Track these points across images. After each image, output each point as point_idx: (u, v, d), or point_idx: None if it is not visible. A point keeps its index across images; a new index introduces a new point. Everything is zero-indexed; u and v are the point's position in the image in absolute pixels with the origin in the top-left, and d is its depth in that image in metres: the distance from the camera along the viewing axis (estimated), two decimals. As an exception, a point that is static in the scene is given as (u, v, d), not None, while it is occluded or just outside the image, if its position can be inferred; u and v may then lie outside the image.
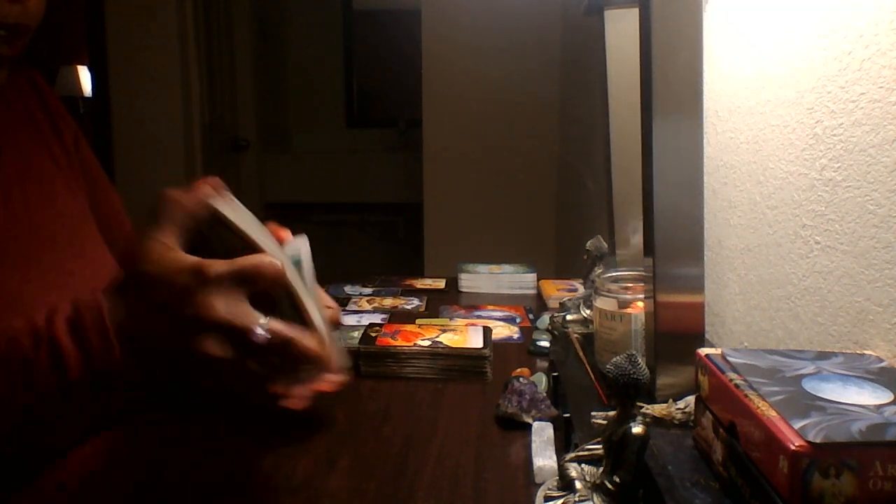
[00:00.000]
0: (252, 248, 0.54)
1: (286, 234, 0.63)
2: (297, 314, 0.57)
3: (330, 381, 0.63)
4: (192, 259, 0.52)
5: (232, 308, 0.52)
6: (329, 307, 0.65)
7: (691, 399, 0.65)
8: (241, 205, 0.58)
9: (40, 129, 0.81)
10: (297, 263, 0.61)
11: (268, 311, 0.54)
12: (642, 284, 0.86)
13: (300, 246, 0.62)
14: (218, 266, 0.52)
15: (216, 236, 0.55)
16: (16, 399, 0.54)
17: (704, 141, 0.83)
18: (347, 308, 1.44)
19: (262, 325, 0.53)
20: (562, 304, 1.21)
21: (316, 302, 0.60)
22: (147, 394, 0.61)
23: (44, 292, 0.70)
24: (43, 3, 0.71)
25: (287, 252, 0.60)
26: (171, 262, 0.52)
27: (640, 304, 0.84)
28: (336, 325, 0.66)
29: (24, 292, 0.68)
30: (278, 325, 0.54)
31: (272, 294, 0.56)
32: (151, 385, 0.59)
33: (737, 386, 0.54)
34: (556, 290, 1.48)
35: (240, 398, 0.64)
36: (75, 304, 0.55)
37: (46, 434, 0.58)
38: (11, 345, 0.54)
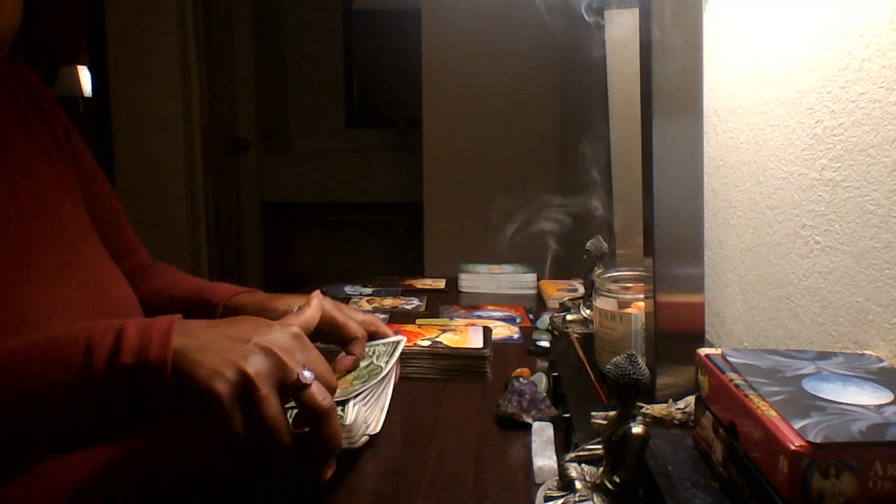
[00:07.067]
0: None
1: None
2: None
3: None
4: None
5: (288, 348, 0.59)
6: None
7: (691, 399, 0.65)
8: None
9: (29, 121, 0.81)
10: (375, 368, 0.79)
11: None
12: (642, 284, 0.86)
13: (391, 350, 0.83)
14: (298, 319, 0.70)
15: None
16: (69, 373, 0.54)
17: (704, 141, 0.83)
18: (347, 308, 1.44)
19: (308, 376, 0.59)
20: (562, 304, 1.21)
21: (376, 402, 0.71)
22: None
23: (34, 285, 0.69)
24: (17, 13, 0.70)
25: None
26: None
27: (640, 304, 0.84)
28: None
29: (15, 286, 0.68)
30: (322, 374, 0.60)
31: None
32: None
33: (737, 386, 0.54)
34: (556, 290, 1.49)
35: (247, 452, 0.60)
36: (154, 317, 0.58)
37: (69, 429, 0.55)
38: (82, 330, 0.56)
